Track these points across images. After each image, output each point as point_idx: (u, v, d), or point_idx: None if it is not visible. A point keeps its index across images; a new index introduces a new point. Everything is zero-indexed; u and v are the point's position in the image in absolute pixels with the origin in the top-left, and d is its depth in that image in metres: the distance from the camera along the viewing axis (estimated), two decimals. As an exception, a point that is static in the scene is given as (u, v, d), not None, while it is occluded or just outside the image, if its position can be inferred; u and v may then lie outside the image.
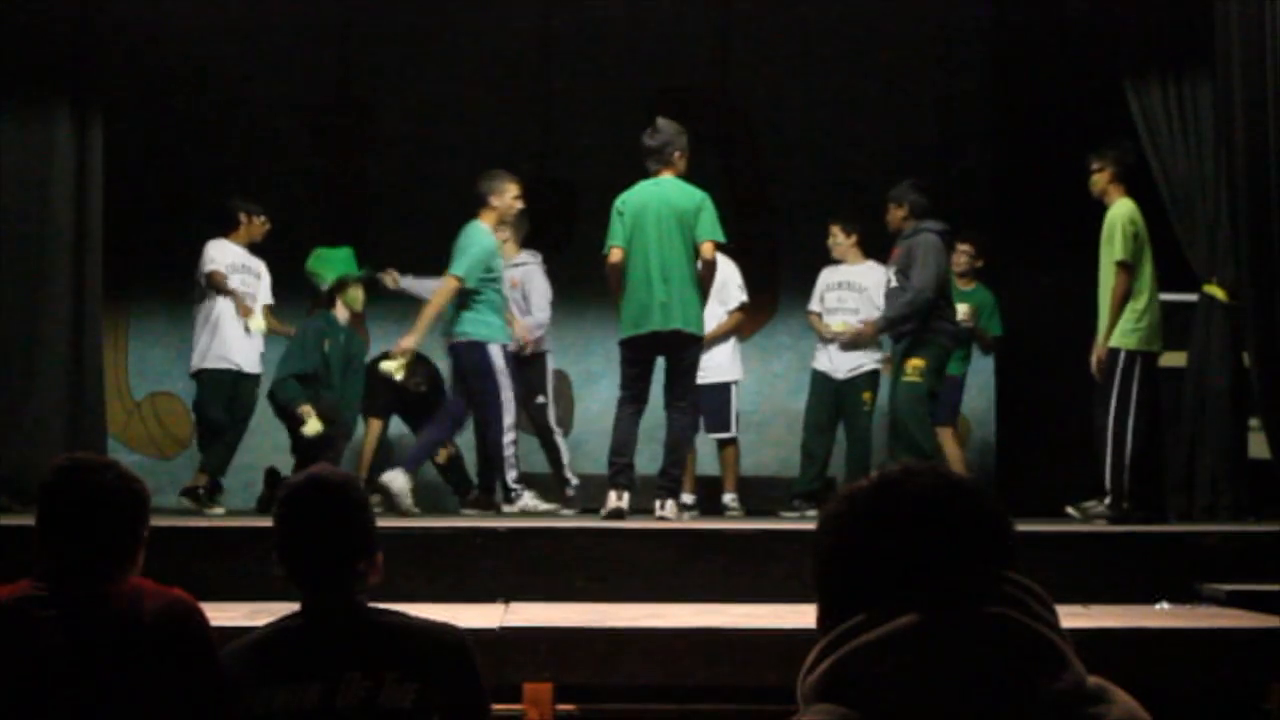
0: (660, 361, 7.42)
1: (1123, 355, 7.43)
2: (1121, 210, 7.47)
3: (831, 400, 8.62)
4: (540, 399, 8.68)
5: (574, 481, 8.61)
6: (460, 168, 10.19)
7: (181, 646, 2.77)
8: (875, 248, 8.65)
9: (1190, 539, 6.45)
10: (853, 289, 8.76)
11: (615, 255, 7.35)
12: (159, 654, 2.74)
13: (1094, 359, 7.52)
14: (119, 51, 8.96)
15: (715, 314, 8.32)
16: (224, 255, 8.64)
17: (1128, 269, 7.42)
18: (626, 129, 10.32)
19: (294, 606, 2.86)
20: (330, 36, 10.38)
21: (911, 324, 7.62)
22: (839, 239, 8.78)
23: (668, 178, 7.36)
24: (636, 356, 7.36)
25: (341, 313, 8.77)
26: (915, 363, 7.58)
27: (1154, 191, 7.90)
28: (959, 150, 10.32)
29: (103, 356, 8.48)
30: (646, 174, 7.48)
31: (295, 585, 2.83)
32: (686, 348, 7.31)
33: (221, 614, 4.03)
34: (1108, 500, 7.38)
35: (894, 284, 7.80)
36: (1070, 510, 7.49)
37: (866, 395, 8.57)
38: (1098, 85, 8.49)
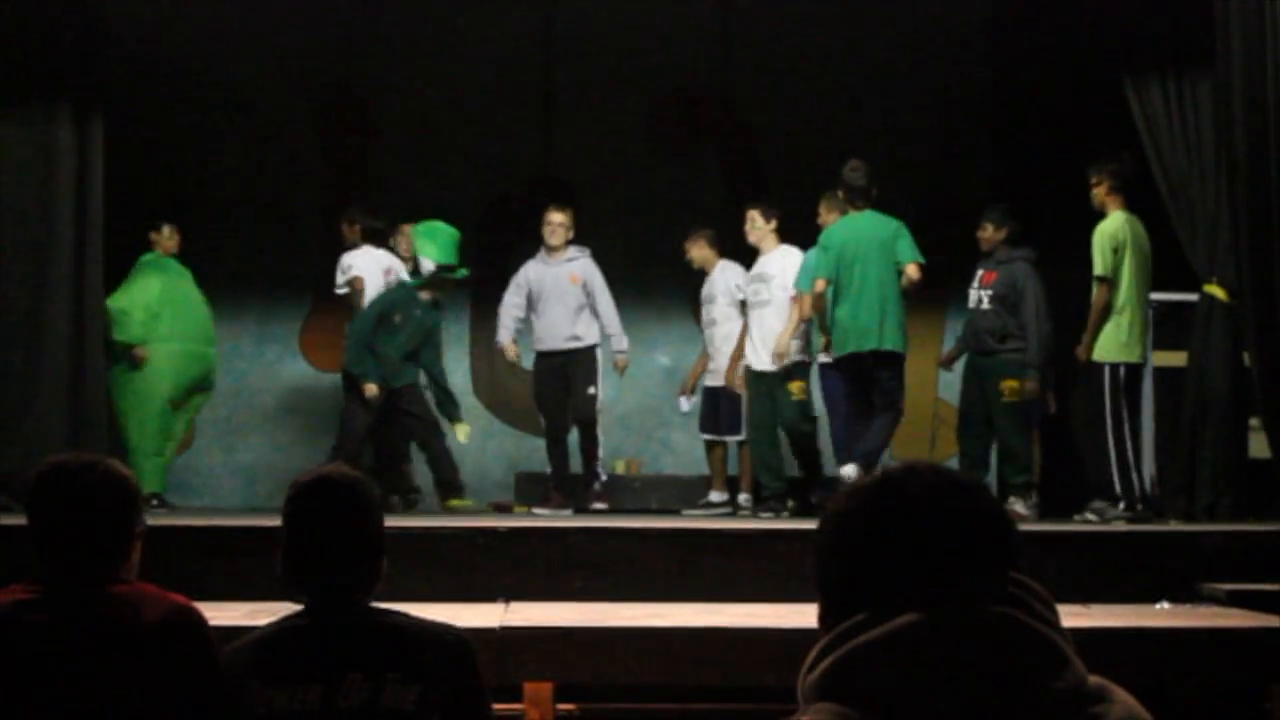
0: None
1: (1107, 369, 7.67)
2: (1108, 225, 7.68)
3: (767, 395, 8.42)
4: (590, 390, 8.66)
5: (603, 477, 8.69)
6: (460, 167, 10.22)
7: (182, 655, 2.73)
8: (793, 234, 8.54)
9: (1191, 539, 6.46)
10: (763, 280, 8.46)
11: (820, 286, 7.97)
12: (158, 662, 2.70)
13: (1079, 355, 7.82)
14: (120, 52, 8.97)
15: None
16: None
17: (1106, 284, 7.65)
18: (626, 128, 10.39)
19: (295, 606, 2.86)
20: (331, 36, 10.38)
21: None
22: (757, 224, 8.50)
23: (869, 211, 7.98)
24: (848, 374, 7.98)
25: (425, 293, 8.69)
26: (1011, 384, 8.03)
27: (1154, 191, 7.92)
28: (959, 148, 10.32)
29: (103, 356, 8.47)
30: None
31: (296, 587, 2.82)
32: (890, 364, 7.92)
33: (221, 613, 4.03)
34: (1121, 505, 7.52)
35: (986, 306, 8.16)
36: (1089, 515, 7.50)
37: (793, 385, 8.27)
38: (1098, 84, 8.49)
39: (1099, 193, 7.76)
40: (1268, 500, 7.38)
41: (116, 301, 8.60)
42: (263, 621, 2.89)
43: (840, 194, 8.11)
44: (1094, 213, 7.82)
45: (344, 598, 2.80)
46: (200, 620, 2.81)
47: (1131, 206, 7.75)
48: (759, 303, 8.42)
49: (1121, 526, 7.19)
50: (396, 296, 8.68)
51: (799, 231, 8.78)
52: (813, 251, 8.22)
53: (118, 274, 8.86)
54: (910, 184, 10.04)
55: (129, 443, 8.62)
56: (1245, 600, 5.71)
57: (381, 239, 8.97)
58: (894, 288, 7.86)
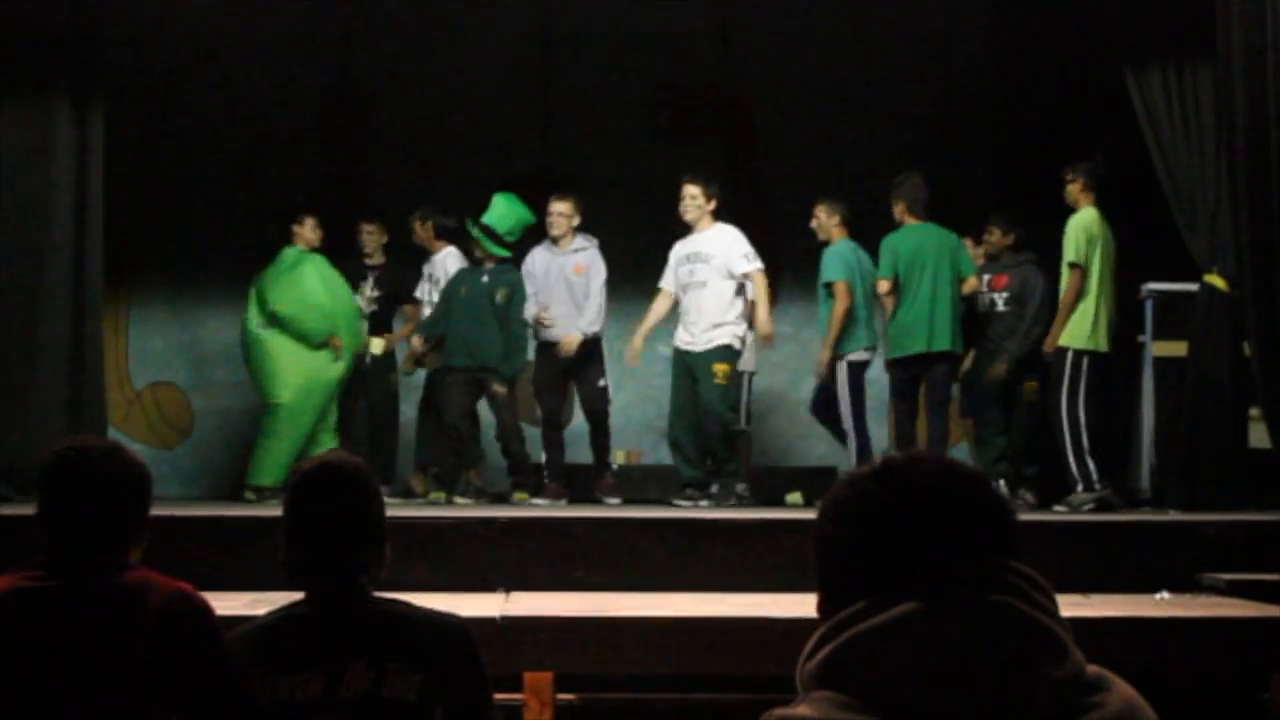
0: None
1: (1070, 353, 7.80)
2: (1080, 217, 7.84)
3: (689, 379, 8.24)
4: (601, 382, 8.62)
5: (614, 468, 8.61)
6: (461, 162, 10.21)
7: (187, 642, 2.72)
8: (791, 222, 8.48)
9: (1190, 528, 6.45)
10: (702, 260, 8.24)
11: (885, 286, 8.18)
12: (163, 649, 2.69)
13: (1046, 349, 7.99)
14: (119, 45, 8.96)
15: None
16: None
17: (1079, 270, 7.78)
18: (626, 118, 10.37)
19: (296, 595, 2.86)
20: (331, 31, 10.36)
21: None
22: (698, 201, 8.26)
23: (931, 223, 8.22)
24: (907, 373, 8.22)
25: (488, 260, 8.64)
26: (1032, 384, 8.33)
27: (1154, 181, 7.93)
28: (959, 140, 10.31)
29: (103, 347, 8.47)
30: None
31: (298, 573, 2.82)
32: (946, 363, 8.25)
33: (221, 603, 4.02)
34: (1080, 487, 7.63)
35: (1001, 308, 8.44)
36: (1058, 506, 7.58)
37: (718, 367, 8.11)
38: (1099, 74, 8.49)
39: (1074, 189, 7.90)
40: (1268, 490, 7.39)
41: (285, 306, 8.62)
42: (263, 611, 2.89)
43: (900, 205, 8.24)
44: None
45: (346, 586, 2.80)
46: (205, 607, 2.80)
47: (1102, 205, 7.88)
48: (695, 284, 8.22)
49: (1123, 515, 7.23)
50: (460, 274, 8.71)
51: (797, 218, 8.79)
52: (842, 243, 8.30)
53: (118, 264, 8.86)
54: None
55: (284, 437, 8.61)
56: (1245, 590, 5.72)
57: (455, 236, 8.96)
58: (956, 294, 8.21)
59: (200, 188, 10.14)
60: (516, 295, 8.50)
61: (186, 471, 10.09)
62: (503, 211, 8.57)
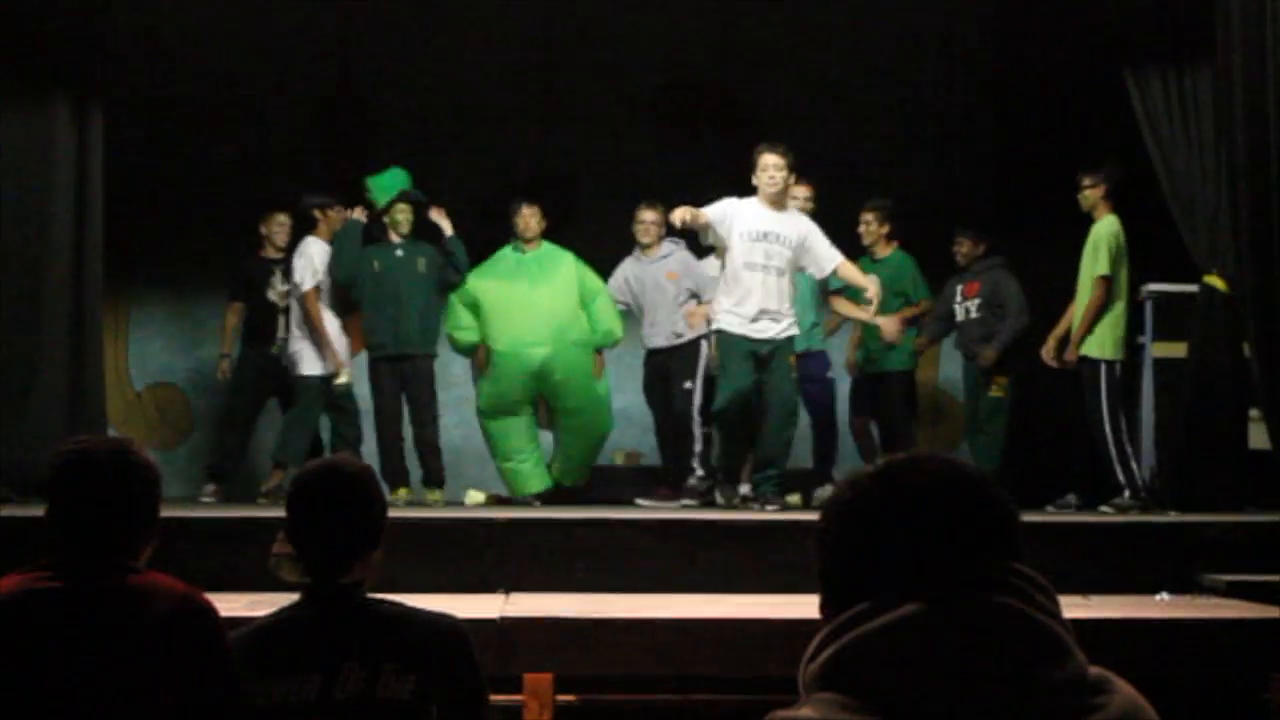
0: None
1: (1103, 365, 7.85)
2: (1108, 226, 7.84)
3: (751, 367, 7.63)
4: (687, 384, 8.53)
5: (699, 472, 8.32)
6: (461, 161, 10.20)
7: (192, 645, 2.72)
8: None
9: (1190, 529, 6.46)
10: (780, 243, 7.60)
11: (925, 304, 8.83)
12: (169, 652, 2.69)
13: (1050, 353, 8.09)
14: (119, 46, 8.95)
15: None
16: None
17: (1108, 282, 7.81)
18: (627, 122, 10.37)
19: (294, 596, 2.86)
20: (331, 30, 10.35)
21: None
22: (784, 173, 7.57)
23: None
24: (872, 385, 8.85)
25: (395, 235, 8.55)
26: (1001, 380, 8.53)
27: (1154, 182, 7.93)
28: (959, 141, 10.31)
29: (103, 348, 8.46)
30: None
31: (300, 568, 2.82)
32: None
33: (220, 604, 4.02)
34: (1127, 494, 7.68)
35: (974, 315, 8.65)
36: (1104, 508, 7.59)
37: (792, 359, 7.81)
38: (1099, 74, 8.49)
39: (1094, 195, 7.90)
40: (1268, 490, 7.39)
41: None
42: (262, 612, 2.89)
43: (886, 226, 8.68)
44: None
45: (339, 585, 2.81)
46: (211, 610, 2.80)
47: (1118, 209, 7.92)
48: (773, 268, 7.55)
49: (1133, 516, 7.27)
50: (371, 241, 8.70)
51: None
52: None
53: (118, 266, 8.84)
54: (911, 172, 10.05)
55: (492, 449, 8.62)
56: (1244, 591, 5.73)
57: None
58: None
59: (200, 188, 10.12)
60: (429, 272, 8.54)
61: (186, 473, 10.08)
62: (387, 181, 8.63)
